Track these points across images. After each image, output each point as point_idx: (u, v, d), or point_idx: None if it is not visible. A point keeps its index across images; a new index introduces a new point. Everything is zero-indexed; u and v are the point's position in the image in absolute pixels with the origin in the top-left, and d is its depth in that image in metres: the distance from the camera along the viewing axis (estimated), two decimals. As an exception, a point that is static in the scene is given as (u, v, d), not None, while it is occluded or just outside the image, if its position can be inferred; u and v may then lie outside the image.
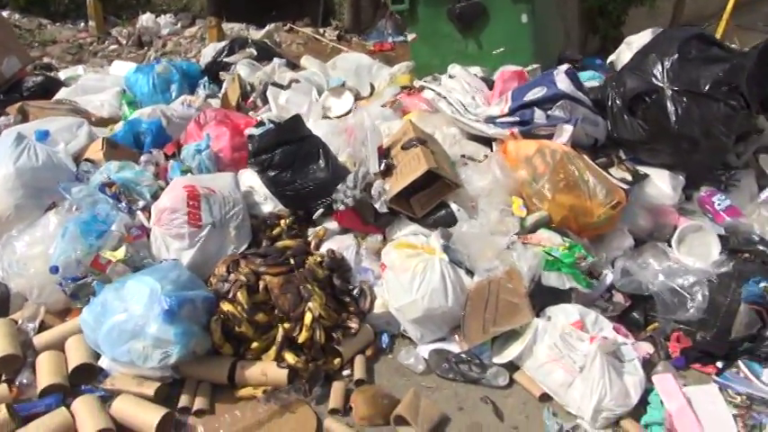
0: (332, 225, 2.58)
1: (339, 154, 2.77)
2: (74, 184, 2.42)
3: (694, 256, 2.54)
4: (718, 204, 2.71)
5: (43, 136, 2.55)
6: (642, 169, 2.81)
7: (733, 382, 2.16)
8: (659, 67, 2.76)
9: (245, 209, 2.52)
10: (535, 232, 2.43)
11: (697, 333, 2.33)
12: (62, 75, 4.51)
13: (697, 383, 2.17)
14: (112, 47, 6.11)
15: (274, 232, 2.54)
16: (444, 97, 3.14)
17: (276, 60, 4.58)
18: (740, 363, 2.24)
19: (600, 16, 6.74)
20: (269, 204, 2.62)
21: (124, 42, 6.13)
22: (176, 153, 2.88)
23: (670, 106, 2.68)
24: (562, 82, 2.80)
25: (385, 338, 2.30)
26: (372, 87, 4.03)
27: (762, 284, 2.32)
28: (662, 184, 2.75)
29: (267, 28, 6.26)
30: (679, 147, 2.71)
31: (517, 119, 2.84)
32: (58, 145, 2.56)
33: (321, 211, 2.55)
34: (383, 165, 2.56)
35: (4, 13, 7.90)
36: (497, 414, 2.03)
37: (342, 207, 2.47)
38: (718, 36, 5.57)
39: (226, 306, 2.08)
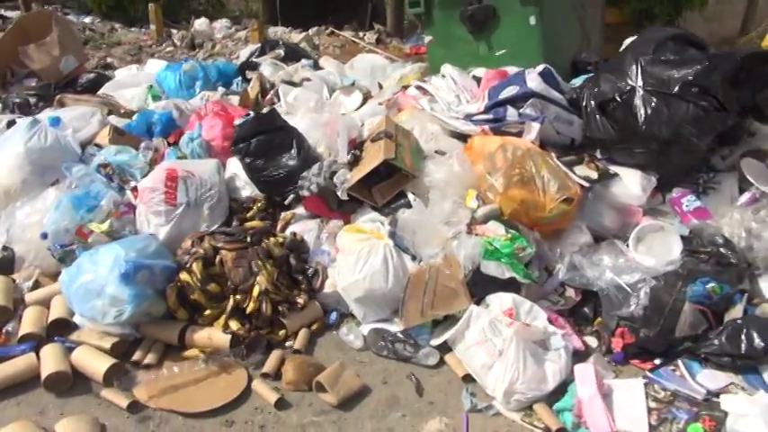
0: (302, 210, 2.77)
1: (318, 146, 2.96)
2: (76, 164, 2.76)
3: (654, 255, 2.54)
4: (686, 206, 2.69)
5: (55, 122, 2.91)
6: (614, 169, 2.82)
7: (664, 378, 2.17)
8: (633, 68, 2.78)
9: (224, 192, 2.76)
10: (486, 224, 2.51)
11: (641, 330, 2.34)
12: (117, 73, 4.95)
13: (632, 377, 2.19)
14: (168, 48, 6.62)
15: (248, 215, 2.76)
16: (432, 95, 3.28)
17: (303, 61, 4.85)
18: (680, 361, 2.24)
19: (648, 20, 6.60)
20: (248, 189, 2.85)
21: (179, 44, 6.63)
22: (178, 141, 3.17)
23: (639, 106, 2.69)
24: (533, 81, 2.86)
25: (333, 316, 2.47)
26: (381, 86, 4.19)
27: (710, 285, 2.31)
28: (631, 184, 2.76)
29: (309, 32, 6.57)
30: (648, 147, 2.71)
31: (491, 116, 2.94)
32: (67, 130, 2.92)
33: (292, 197, 2.75)
34: (350, 155, 2.73)
35: (87, 19, 8.73)
36: (418, 390, 2.14)
37: (307, 193, 2.66)
38: (765, 41, 5.36)
39: (183, 275, 2.32)
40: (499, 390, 2.04)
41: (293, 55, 4.98)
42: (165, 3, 10.34)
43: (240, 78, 4.65)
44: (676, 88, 2.64)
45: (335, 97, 4.07)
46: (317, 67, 4.80)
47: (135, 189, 2.71)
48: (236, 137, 2.80)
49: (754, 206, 2.67)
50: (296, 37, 6.33)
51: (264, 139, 2.75)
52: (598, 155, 2.91)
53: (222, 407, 2.02)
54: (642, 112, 2.68)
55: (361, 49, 6.28)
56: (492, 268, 2.35)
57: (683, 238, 2.58)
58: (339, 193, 2.62)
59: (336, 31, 6.73)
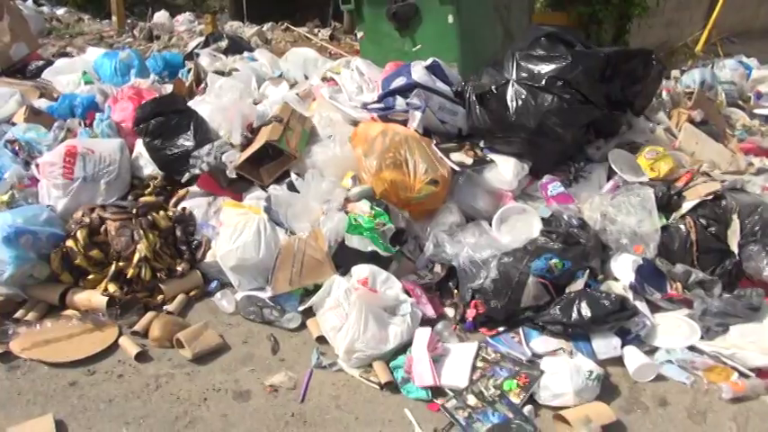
0: (197, 188, 2.96)
1: (220, 129, 3.15)
2: (-14, 140, 2.94)
3: (515, 234, 2.75)
4: (551, 191, 2.89)
5: (-29, 100, 3.11)
6: (492, 156, 3.03)
7: (501, 343, 2.38)
8: (510, 63, 2.98)
9: (124, 169, 2.95)
10: (358, 202, 2.71)
11: (491, 301, 2.53)
12: (57, 61, 5.10)
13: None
14: (128, 39, 6.80)
15: (146, 191, 2.95)
16: (340, 85, 3.48)
17: (245, 53, 5.04)
18: (521, 329, 2.44)
19: (595, 24, 6.82)
20: (150, 167, 3.04)
21: (137, 36, 6.81)
22: (94, 123, 3.36)
23: (510, 98, 2.90)
24: (416, 73, 3.07)
25: (214, 284, 2.66)
26: (306, 78, 4.39)
27: (552, 261, 2.51)
28: (504, 171, 2.96)
29: (264, 27, 6.77)
30: (519, 136, 2.92)
31: (382, 105, 3.14)
32: (-19, 108, 3.12)
33: (188, 175, 2.94)
34: (243, 137, 2.93)
35: (61, 11, 8.88)
36: (273, 349, 2.34)
37: (198, 171, 2.86)
38: (698, 47, 5.59)
39: (69, 242, 2.51)
40: (341, 348, 2.24)
41: (236, 47, 5.16)
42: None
43: (186, 68, 4.85)
44: (543, 81, 2.85)
45: (265, 87, 4.26)
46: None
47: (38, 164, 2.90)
48: (136, 118, 2.99)
49: (614, 193, 2.88)
50: (248, 31, 6.52)
51: (163, 120, 2.94)
52: (482, 144, 3.11)
53: (87, 358, 2.22)
54: (513, 103, 2.89)
55: (314, 45, 6.48)
56: (355, 241, 2.55)
57: (544, 219, 2.79)
58: (228, 172, 2.82)
59: (291, 27, 6.93)
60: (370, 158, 2.75)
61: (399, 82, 3.09)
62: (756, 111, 4.51)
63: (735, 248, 2.65)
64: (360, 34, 4.77)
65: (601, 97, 2.92)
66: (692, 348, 2.36)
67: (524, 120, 2.86)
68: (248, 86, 4.17)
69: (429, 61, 3.21)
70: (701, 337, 2.40)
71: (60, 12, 8.70)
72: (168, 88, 4.27)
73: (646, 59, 3.09)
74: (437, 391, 2.13)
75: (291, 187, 2.82)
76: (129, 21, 7.55)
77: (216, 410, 2.03)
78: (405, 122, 3.04)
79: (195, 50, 5.06)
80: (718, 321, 2.44)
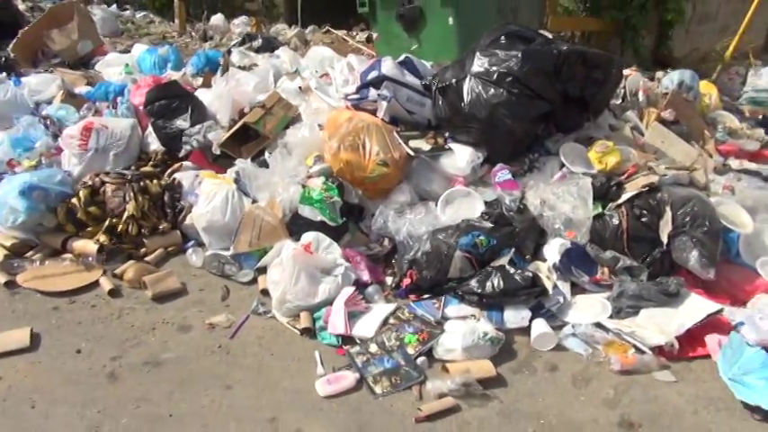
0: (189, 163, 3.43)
1: (218, 112, 3.59)
2: (26, 115, 3.54)
3: (459, 215, 3.00)
4: (499, 178, 3.12)
5: (17, 82, 3.72)
6: (453, 145, 3.29)
7: (419, 306, 2.64)
8: (471, 58, 3.24)
9: (134, 144, 3.46)
10: (316, 178, 3.06)
11: (423, 271, 2.80)
12: (109, 55, 5.79)
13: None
14: (186, 39, 7.50)
15: (149, 163, 3.44)
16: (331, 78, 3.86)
17: (277, 51, 5.53)
18: (443, 297, 2.70)
19: (631, 30, 6.81)
20: (155, 144, 3.53)
21: (195, 36, 7.49)
22: (122, 105, 3.90)
23: (465, 91, 3.16)
24: (386, 67, 3.38)
25: (191, 243, 3.09)
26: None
27: (479, 238, 2.75)
28: (460, 158, 3.21)
29: (307, 29, 7.26)
30: (472, 126, 3.16)
31: (358, 96, 3.48)
32: (24, 89, 3.72)
33: (183, 151, 3.40)
34: (230, 120, 3.36)
35: (140, 14, 9.82)
36: (223, 297, 2.74)
37: (189, 148, 3.32)
38: (727, 54, 5.55)
39: (73, 199, 3.02)
40: (274, 297, 2.60)
41: (268, 46, 5.67)
42: (224, 2, 11.48)
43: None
44: (495, 76, 3.08)
45: (281, 81, 4.70)
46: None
47: (65, 137, 3.45)
48: (145, 100, 3.49)
49: (560, 183, 3.07)
50: (289, 32, 7.04)
51: (165, 103, 3.42)
52: (446, 134, 3.38)
53: (71, 290, 2.71)
54: (468, 96, 3.14)
55: (349, 47, 6.89)
56: (306, 211, 2.91)
57: (487, 203, 3.03)
58: (213, 149, 3.25)
59: (331, 30, 7.38)
60: (333, 140, 3.09)
61: (372, 75, 3.41)
62: None
63: (664, 238, 2.77)
64: (375, 35, 5.13)
65: (553, 93, 3.11)
66: (598, 325, 2.54)
67: (476, 111, 3.10)
68: (265, 80, 4.62)
69: (402, 57, 3.51)
70: (611, 317, 2.57)
71: (139, 15, 9.65)
72: (199, 81, 4.81)
73: (607, 65, 3.25)
74: (349, 340, 2.44)
75: (265, 164, 3.21)
76: (192, 23, 8.29)
77: (159, 338, 2.45)
78: (375, 112, 3.36)
79: (230, 48, 5.62)
80: (631, 304, 2.60)
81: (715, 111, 4.16)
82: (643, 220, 2.83)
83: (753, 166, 3.53)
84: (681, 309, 2.57)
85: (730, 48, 5.55)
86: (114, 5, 9.67)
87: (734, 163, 3.57)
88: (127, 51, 6.71)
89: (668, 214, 2.80)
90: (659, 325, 2.49)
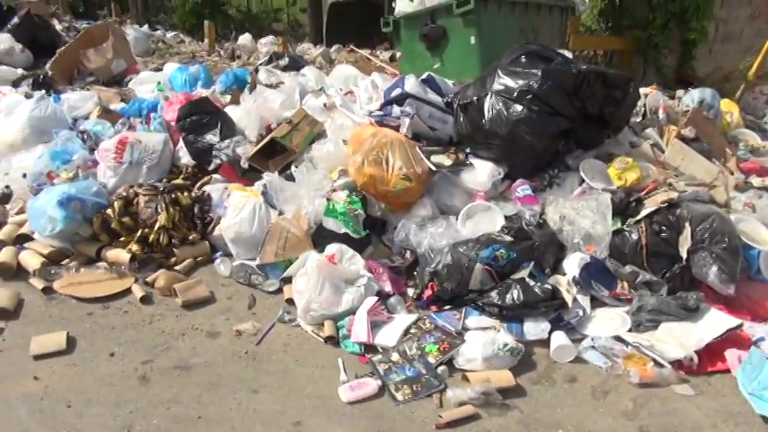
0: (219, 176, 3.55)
1: (246, 128, 3.72)
2: (65, 130, 3.70)
3: (478, 229, 3.06)
4: (519, 193, 3.17)
5: (57, 98, 3.90)
6: (474, 161, 3.36)
7: (440, 317, 2.70)
8: (492, 76, 3.32)
9: (166, 157, 3.58)
10: (341, 191, 3.15)
11: (444, 283, 2.86)
12: (142, 73, 6.00)
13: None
14: (215, 58, 7.73)
15: (180, 176, 3.57)
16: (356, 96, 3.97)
17: (303, 70, 5.68)
18: (464, 308, 2.75)
19: (654, 50, 6.85)
20: (186, 157, 3.66)
21: (223, 55, 7.72)
22: (155, 121, 4.06)
23: (487, 108, 3.24)
24: (409, 84, 3.48)
25: (219, 254, 3.19)
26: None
27: (499, 251, 2.81)
28: (480, 173, 3.28)
29: (331, 48, 7.44)
30: (493, 142, 3.23)
31: (382, 113, 3.58)
32: (64, 105, 3.90)
33: (213, 164, 3.52)
34: (258, 135, 3.48)
35: (170, 34, 10.13)
36: (249, 305, 2.82)
37: (219, 161, 3.43)
38: (750, 74, 5.57)
39: (108, 210, 3.15)
40: (299, 306, 2.68)
41: (294, 65, 5.83)
42: (251, 23, 11.82)
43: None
44: (515, 94, 3.16)
45: (307, 98, 4.83)
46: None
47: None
48: (177, 116, 3.63)
49: (580, 198, 3.12)
50: (315, 52, 7.21)
51: (196, 119, 3.56)
52: (467, 150, 3.45)
53: (105, 297, 2.81)
54: (488, 113, 3.22)
55: (373, 66, 7.04)
56: (331, 224, 3.00)
57: (507, 217, 3.08)
58: (241, 163, 3.37)
59: (355, 49, 7.54)
60: (357, 155, 3.18)
61: (395, 92, 3.51)
62: None
63: (683, 254, 2.79)
64: (398, 54, 5.25)
65: (572, 110, 3.17)
66: (617, 338, 2.56)
67: (497, 128, 3.18)
68: (291, 98, 4.76)
69: (425, 75, 3.60)
70: (630, 330, 2.60)
71: (170, 35, 9.96)
72: (227, 98, 4.97)
73: (625, 85, 3.31)
74: (371, 349, 2.51)
75: (292, 177, 3.31)
76: (221, 42, 8.54)
77: (188, 343, 2.54)
78: (399, 128, 3.45)
79: (257, 66, 5.78)
80: (651, 318, 2.63)
81: (737, 129, 4.17)
82: (662, 235, 2.86)
83: (774, 183, 3.53)
84: (700, 323, 2.59)
85: (753, 67, 5.55)
86: (146, 26, 10.02)
87: (755, 180, 3.58)
88: (159, 70, 6.94)
89: (687, 230, 2.82)
90: (678, 339, 2.51)
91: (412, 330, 2.60)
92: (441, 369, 2.38)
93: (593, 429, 2.14)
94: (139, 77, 5.37)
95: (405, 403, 2.22)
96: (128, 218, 3.14)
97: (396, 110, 3.48)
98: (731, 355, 2.46)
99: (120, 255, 3.05)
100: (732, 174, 3.52)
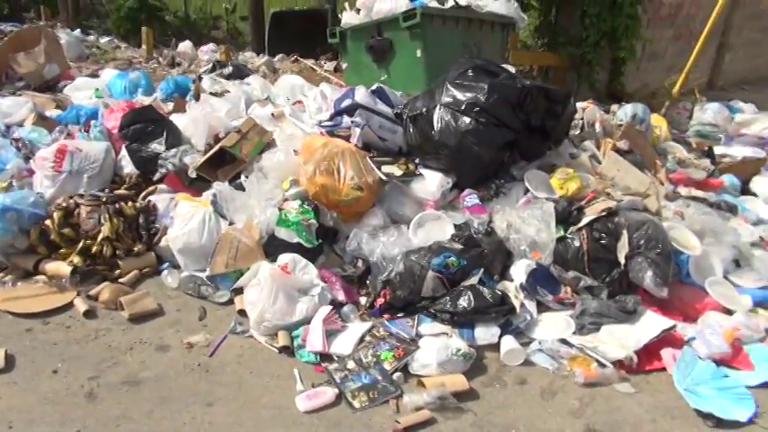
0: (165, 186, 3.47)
1: (192, 137, 3.65)
2: (-4, 138, 3.53)
3: (430, 237, 3.12)
4: (467, 202, 3.26)
5: (-12, 105, 3.72)
6: (423, 171, 3.43)
7: (393, 324, 2.73)
8: (441, 89, 3.41)
9: (107, 166, 3.47)
10: (293, 201, 3.14)
11: (397, 291, 2.90)
12: (78, 79, 5.78)
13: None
14: (154, 65, 7.53)
15: (123, 186, 3.46)
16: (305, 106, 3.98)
17: (248, 79, 5.63)
18: (417, 316, 2.80)
19: (587, 66, 7.18)
20: (129, 167, 3.56)
21: (162, 62, 7.54)
22: (94, 129, 3.92)
23: (436, 119, 3.32)
24: (359, 95, 3.53)
25: (165, 265, 3.12)
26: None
27: (449, 259, 2.88)
28: (430, 183, 3.35)
29: (275, 58, 7.42)
30: (442, 153, 3.32)
31: (332, 123, 3.60)
32: (-7, 112, 3.73)
33: (158, 174, 3.44)
34: (205, 144, 3.42)
35: (105, 39, 9.79)
36: (200, 317, 2.77)
37: (165, 171, 3.36)
38: (674, 90, 5.93)
39: (47, 221, 3.02)
40: (252, 317, 2.65)
41: (238, 74, 5.76)
42: (189, 30, 11.58)
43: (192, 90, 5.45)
44: (463, 106, 3.26)
45: (252, 108, 4.79)
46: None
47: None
48: (120, 124, 3.53)
49: (525, 207, 3.24)
50: (258, 61, 7.17)
51: (140, 127, 3.48)
52: (417, 160, 3.52)
53: (45, 312, 2.70)
54: (438, 124, 3.30)
55: (317, 76, 7.05)
56: (283, 233, 2.99)
57: (456, 226, 3.16)
58: (189, 172, 3.31)
59: (299, 59, 7.54)
60: (308, 165, 3.18)
61: (346, 103, 3.55)
62: (721, 150, 4.80)
63: (622, 259, 2.95)
64: (344, 65, 5.30)
65: (516, 123, 3.30)
66: (563, 341, 2.68)
67: (446, 139, 3.26)
68: (236, 106, 4.71)
69: (374, 86, 3.66)
70: (574, 333, 2.72)
71: (104, 40, 9.63)
72: (170, 106, 4.86)
73: (565, 100, 3.48)
74: (326, 358, 2.51)
75: (241, 187, 3.28)
76: (159, 49, 8.33)
77: (137, 357, 2.46)
78: (349, 138, 3.48)
79: (200, 74, 5.69)
80: (593, 320, 2.75)
81: (665, 142, 4.45)
82: (602, 242, 3.01)
83: (699, 193, 3.78)
84: (638, 325, 2.74)
85: (677, 84, 5.93)
86: (78, 30, 9.66)
87: (683, 190, 3.82)
88: (95, 76, 6.70)
89: (625, 237, 2.98)
90: (619, 340, 2.64)
91: (367, 338, 2.62)
92: (396, 375, 2.41)
93: (544, 428, 2.23)
94: (76, 83, 5.17)
95: (362, 410, 2.23)
96: (68, 229, 3.03)
97: (346, 120, 3.51)
98: (666, 354, 2.61)
99: (60, 267, 2.92)
100: (662, 184, 3.74)
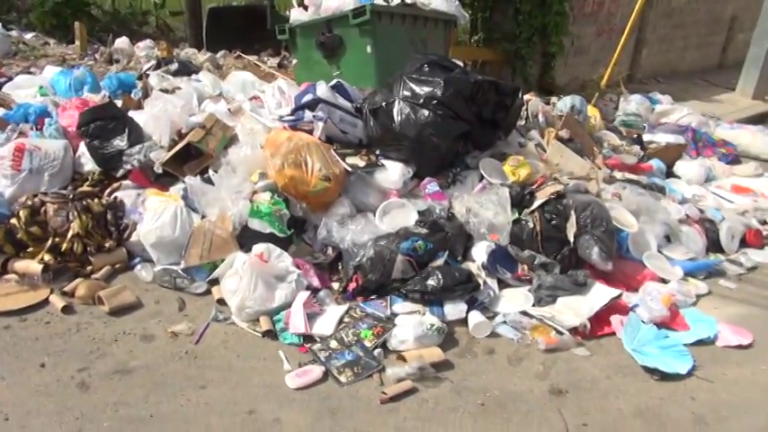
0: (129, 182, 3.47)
1: (153, 133, 3.66)
2: (-54, 138, 3.42)
3: (395, 224, 3.30)
4: (428, 190, 3.46)
5: (-66, 104, 3.58)
6: (384, 162, 3.60)
7: (368, 306, 2.90)
8: (399, 84, 3.59)
9: (67, 164, 3.44)
10: (263, 193, 3.24)
11: (368, 275, 3.06)
12: (17, 77, 5.58)
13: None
14: (90, 62, 7.31)
15: (86, 184, 3.44)
16: (264, 101, 4.06)
17: (194, 75, 5.60)
18: (389, 297, 2.97)
19: (520, 60, 7.55)
20: (90, 164, 3.54)
21: (98, 59, 7.32)
22: (46, 127, 3.85)
23: (396, 112, 3.49)
24: (320, 90, 3.66)
25: (137, 260, 3.14)
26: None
27: (417, 243, 3.07)
28: (392, 173, 3.53)
29: (217, 54, 7.37)
30: (403, 144, 3.50)
31: (294, 117, 3.71)
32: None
33: (122, 170, 3.44)
34: (170, 140, 3.46)
35: (29, 35, 9.35)
36: (180, 308, 2.83)
37: (129, 167, 3.37)
38: (602, 83, 6.36)
39: (12, 220, 2.99)
40: (234, 304, 2.75)
41: (184, 70, 5.71)
42: (118, 25, 11.18)
43: (138, 87, 5.37)
44: (422, 100, 3.45)
45: (205, 104, 4.80)
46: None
47: (-7, 159, 3.37)
48: (79, 122, 3.50)
49: (481, 193, 3.47)
50: (201, 57, 7.11)
51: (101, 124, 3.46)
52: (377, 151, 3.69)
53: (20, 309, 2.68)
54: (398, 117, 3.48)
55: (262, 72, 7.07)
56: (256, 224, 3.08)
57: (419, 212, 3.36)
58: (155, 168, 3.34)
59: (242, 55, 7.53)
60: (276, 158, 3.29)
61: (307, 98, 3.67)
62: (647, 137, 5.25)
63: (571, 238, 3.23)
64: (294, 61, 5.38)
65: (470, 115, 3.54)
66: (524, 313, 2.93)
67: (406, 131, 3.45)
68: (189, 103, 4.71)
69: (333, 81, 3.80)
70: (533, 305, 2.98)
71: (28, 36, 9.20)
72: (118, 103, 4.79)
73: (513, 93, 3.74)
74: (308, 339, 2.65)
75: (209, 181, 3.34)
76: (92, 45, 8.07)
77: (123, 348, 2.51)
78: (311, 132, 3.60)
79: (146, 72, 5.62)
80: (549, 293, 3.02)
81: (600, 131, 4.83)
82: (553, 222, 3.29)
83: (633, 176, 4.16)
84: (589, 296, 3.03)
85: (604, 78, 6.37)
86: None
87: (618, 174, 4.19)
88: (29, 73, 6.47)
89: (573, 217, 3.27)
90: (573, 310, 2.92)
91: (345, 319, 2.78)
92: (377, 351, 2.58)
93: (514, 390, 2.46)
94: (15, 81, 5.00)
95: (348, 384, 2.39)
96: (35, 227, 3.00)
97: (308, 114, 3.63)
98: (615, 320, 2.92)
99: (30, 265, 2.91)
100: (600, 169, 4.08)
